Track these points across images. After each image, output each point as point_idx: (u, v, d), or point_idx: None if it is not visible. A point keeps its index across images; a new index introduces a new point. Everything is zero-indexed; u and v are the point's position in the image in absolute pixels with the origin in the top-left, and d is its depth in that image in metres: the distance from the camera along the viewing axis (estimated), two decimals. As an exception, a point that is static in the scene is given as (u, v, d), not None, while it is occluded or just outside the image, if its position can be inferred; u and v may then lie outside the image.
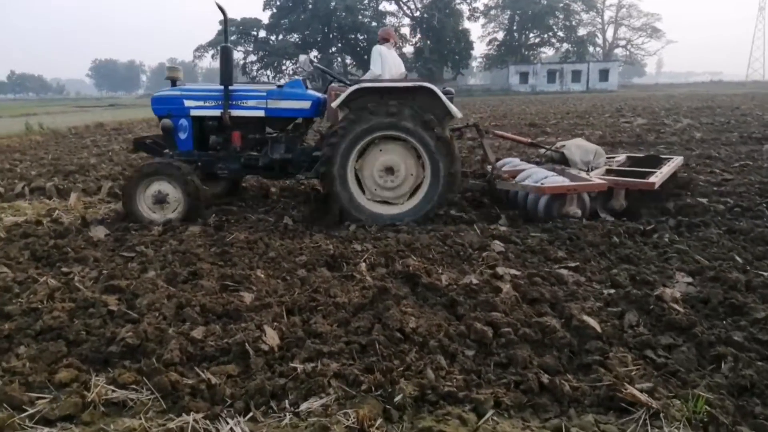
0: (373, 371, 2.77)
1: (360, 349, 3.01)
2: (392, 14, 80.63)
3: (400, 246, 4.86)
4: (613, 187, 5.89)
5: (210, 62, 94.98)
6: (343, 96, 5.83)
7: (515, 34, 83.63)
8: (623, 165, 7.10)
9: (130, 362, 2.99)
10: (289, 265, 4.52)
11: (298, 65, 7.00)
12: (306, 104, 6.29)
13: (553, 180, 5.98)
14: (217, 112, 6.25)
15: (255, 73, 77.30)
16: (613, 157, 7.31)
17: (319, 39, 75.27)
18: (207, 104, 6.30)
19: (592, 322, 3.24)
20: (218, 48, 6.22)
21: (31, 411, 2.54)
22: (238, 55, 76.02)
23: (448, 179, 5.74)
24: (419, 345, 3.04)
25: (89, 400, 2.60)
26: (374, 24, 76.32)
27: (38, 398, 2.64)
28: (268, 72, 77.84)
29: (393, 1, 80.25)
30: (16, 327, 3.36)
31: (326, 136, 6.02)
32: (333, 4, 71.63)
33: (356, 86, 5.85)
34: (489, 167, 6.80)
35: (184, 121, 6.33)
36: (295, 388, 2.67)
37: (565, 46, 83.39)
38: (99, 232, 5.55)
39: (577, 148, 6.87)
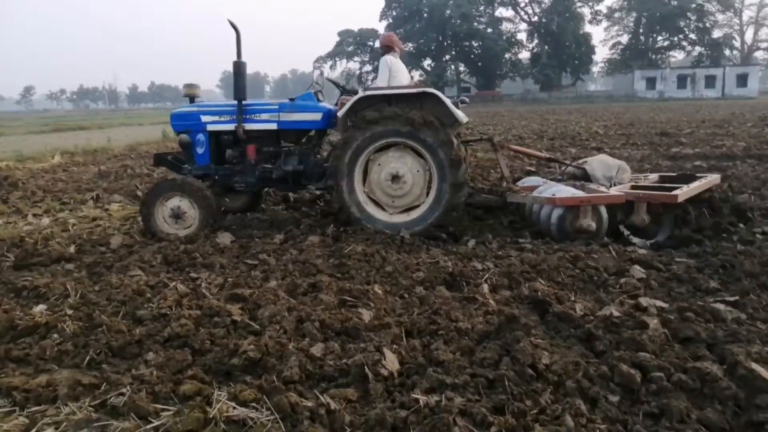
0: (503, 412, 2.51)
1: (487, 384, 2.76)
2: (509, 20, 79.35)
3: (524, 266, 4.53)
4: (634, 201, 5.57)
5: (327, 72, 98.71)
6: (348, 105, 5.89)
7: (641, 38, 78.86)
8: (659, 182, 6.60)
9: (252, 377, 2.95)
10: (406, 281, 4.36)
11: (313, 80, 6.77)
12: (317, 116, 6.36)
13: (567, 192, 5.75)
14: (232, 127, 6.40)
15: (370, 83, 79.08)
16: (644, 176, 6.86)
17: (433, 47, 75.57)
18: (222, 119, 6.44)
19: (763, 371, 2.75)
20: (233, 62, 6.21)
21: (155, 423, 2.55)
22: (354, 65, 78.34)
23: (455, 185, 5.75)
24: (554, 385, 2.73)
25: (211, 416, 2.57)
26: (489, 30, 75.43)
27: (163, 410, 2.66)
28: (383, 81, 79.27)
29: (510, 7, 78.76)
30: (146, 333, 3.47)
31: (333, 147, 6.13)
32: (448, 12, 71.61)
33: (360, 95, 5.91)
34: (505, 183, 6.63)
35: (201, 136, 6.49)
36: (418, 422, 2.48)
37: (698, 49, 77.37)
38: (225, 239, 5.73)
39: (599, 163, 6.55)
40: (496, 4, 77.68)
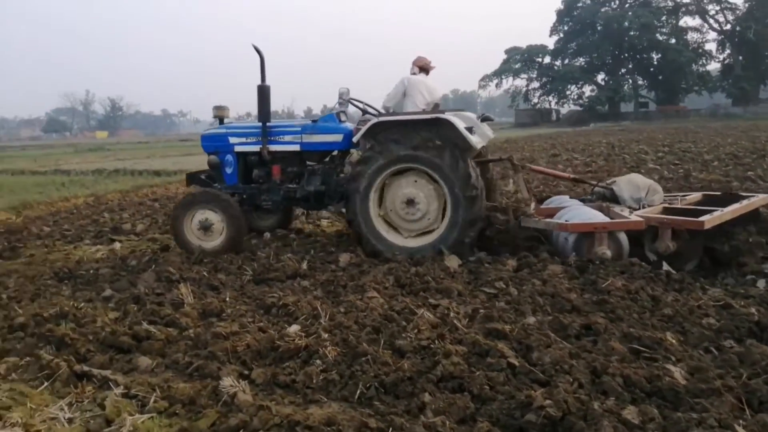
0: None
1: None
2: (695, 29, 72.16)
3: None
4: (658, 227, 5.14)
5: (491, 91, 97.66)
6: (363, 129, 5.96)
7: None
8: (697, 203, 6.10)
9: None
10: (696, 329, 3.59)
11: (337, 100, 6.63)
12: (338, 137, 6.45)
13: (584, 217, 5.46)
14: (257, 148, 6.57)
15: (537, 100, 76.70)
16: (683, 196, 6.34)
17: (608, 61, 71.24)
18: (249, 140, 6.64)
19: None
20: (257, 86, 6.39)
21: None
22: (521, 82, 76.54)
23: (469, 211, 5.61)
24: None
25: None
26: (672, 41, 69.24)
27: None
28: (550, 98, 76.54)
29: (697, 16, 71.71)
30: (415, 369, 3.13)
31: (350, 172, 6.15)
32: (626, 23, 67.08)
33: (375, 120, 5.94)
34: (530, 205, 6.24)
35: (229, 157, 6.72)
36: None
37: None
38: (453, 262, 5.38)
39: (627, 183, 6.23)
40: (680, 13, 71.22)
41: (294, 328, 3.88)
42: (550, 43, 75.48)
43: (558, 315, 3.89)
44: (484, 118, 6.66)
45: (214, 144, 6.82)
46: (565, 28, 73.99)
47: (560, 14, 73.81)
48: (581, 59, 73.96)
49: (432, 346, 3.39)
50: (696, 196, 6.36)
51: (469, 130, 5.91)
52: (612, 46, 69.50)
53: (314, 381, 3.17)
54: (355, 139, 6.17)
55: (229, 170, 6.76)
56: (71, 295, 5.09)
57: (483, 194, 5.81)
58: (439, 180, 5.72)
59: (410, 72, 7.46)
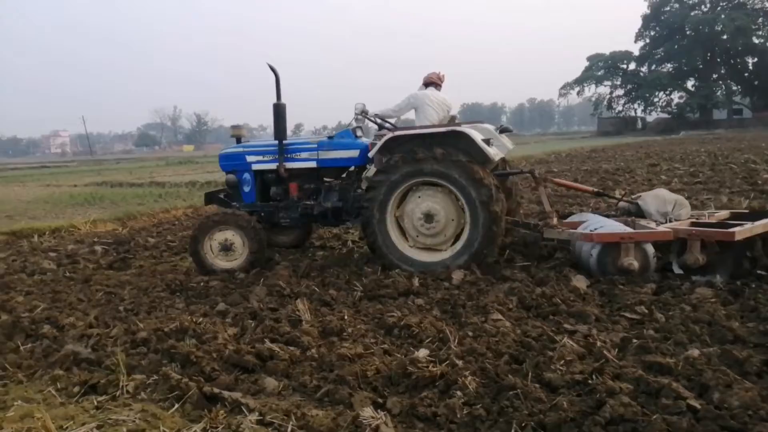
0: None
1: None
2: (799, 29, 66.97)
3: None
4: (686, 239, 5.03)
5: (569, 99, 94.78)
6: (378, 145, 5.91)
7: None
8: (726, 219, 5.87)
9: None
10: None
11: (354, 115, 6.58)
12: (355, 153, 6.42)
13: (609, 228, 5.40)
14: (274, 166, 6.56)
15: (621, 108, 73.68)
16: (711, 213, 6.19)
17: (699, 66, 67.41)
18: (266, 159, 6.65)
19: None
20: (273, 104, 6.32)
21: None
22: (604, 89, 73.82)
23: (488, 223, 5.52)
24: None
25: None
26: (771, 44, 64.69)
27: None
28: (635, 105, 73.35)
29: (801, 14, 66.62)
30: (577, 408, 2.77)
31: (367, 187, 6.04)
32: (718, 27, 63.24)
33: (391, 135, 5.87)
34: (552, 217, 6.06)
35: (247, 175, 6.74)
36: None
37: None
38: (581, 282, 4.96)
39: (654, 198, 6.09)
40: (779, 14, 66.51)
41: (423, 353, 3.61)
42: (635, 48, 72.53)
43: (726, 347, 3.40)
44: (503, 130, 6.61)
45: (232, 163, 6.83)
46: (652, 33, 70.87)
47: (647, 19, 70.82)
48: (669, 65, 70.53)
49: (589, 381, 3.02)
50: (724, 213, 6.17)
51: (487, 142, 5.77)
52: (703, 51, 65.84)
53: (458, 415, 2.88)
54: (371, 154, 6.12)
55: (246, 189, 6.78)
56: (186, 308, 5.08)
57: (503, 210, 5.68)
58: (458, 194, 5.63)
59: (427, 89, 7.25)
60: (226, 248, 6.24)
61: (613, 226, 5.46)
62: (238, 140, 7.09)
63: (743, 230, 4.87)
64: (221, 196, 7.13)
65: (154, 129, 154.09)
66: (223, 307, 4.99)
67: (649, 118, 73.29)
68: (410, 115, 7.47)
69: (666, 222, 5.70)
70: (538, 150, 32.65)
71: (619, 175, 14.84)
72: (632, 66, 72.94)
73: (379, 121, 6.87)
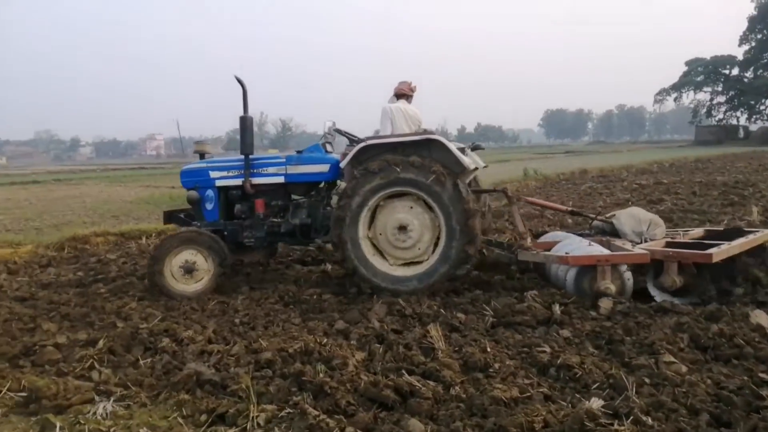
0: None
1: None
2: None
3: None
4: (663, 261, 4.93)
5: (662, 107, 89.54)
6: (350, 155, 5.64)
7: None
8: (700, 238, 5.85)
9: None
10: None
11: (324, 130, 6.43)
12: (325, 168, 6.11)
13: (585, 250, 5.23)
14: (239, 182, 6.22)
15: (722, 115, 68.92)
16: (684, 232, 6.14)
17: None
18: (230, 174, 6.30)
19: None
20: (239, 117, 5.99)
21: None
22: (703, 96, 69.36)
23: (463, 234, 5.32)
24: None
25: None
26: None
27: None
28: (737, 113, 68.42)
29: None
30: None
31: (338, 198, 5.79)
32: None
33: (362, 144, 5.62)
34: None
35: (210, 192, 6.34)
36: None
37: None
38: (762, 319, 4.19)
39: (629, 217, 5.94)
40: None
41: (596, 404, 3.02)
42: (739, 53, 67.66)
43: None
44: (474, 147, 6.45)
45: (194, 179, 6.42)
46: (758, 36, 65.88)
47: (753, 21, 65.95)
48: (778, 70, 65.30)
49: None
50: (698, 231, 6.22)
51: (461, 151, 5.54)
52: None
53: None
54: (342, 164, 5.82)
55: (209, 206, 6.37)
56: (303, 324, 4.75)
57: (479, 224, 5.44)
58: (434, 205, 5.40)
59: (397, 102, 6.83)
60: (189, 270, 5.82)
61: (588, 248, 5.29)
62: (202, 156, 6.79)
63: (721, 252, 4.84)
64: (181, 215, 6.80)
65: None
66: (342, 325, 4.61)
67: (753, 127, 68.02)
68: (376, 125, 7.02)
69: (641, 242, 5.61)
70: (637, 159, 30.83)
71: (741, 188, 13.49)
72: (735, 71, 68.23)
73: (349, 135, 6.59)
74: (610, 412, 2.94)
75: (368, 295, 5.48)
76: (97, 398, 3.40)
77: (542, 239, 6.44)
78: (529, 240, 5.98)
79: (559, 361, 3.56)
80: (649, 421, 2.79)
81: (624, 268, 5.01)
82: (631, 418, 2.83)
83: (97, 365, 3.95)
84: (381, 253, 5.66)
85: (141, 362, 3.98)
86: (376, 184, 5.45)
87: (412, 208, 5.53)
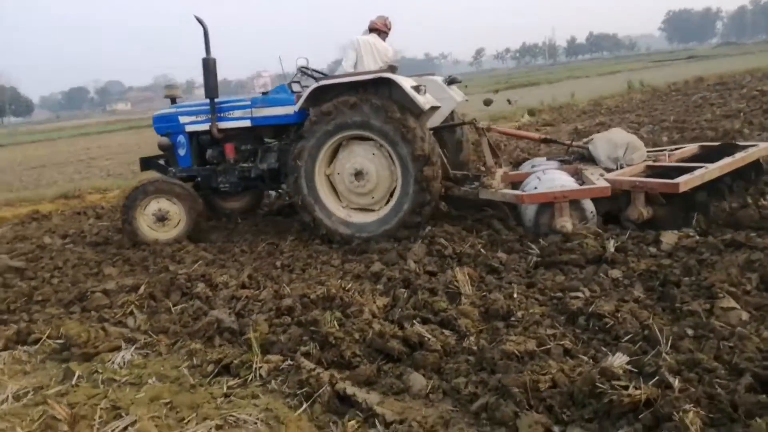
0: None
1: None
2: None
3: None
4: (630, 191, 4.59)
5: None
6: (303, 97, 5.37)
7: None
8: (689, 157, 5.57)
9: None
10: None
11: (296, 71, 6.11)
12: (290, 110, 5.74)
13: (548, 184, 4.88)
14: (208, 126, 6.03)
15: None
16: (675, 149, 5.74)
17: None
18: (199, 119, 6.14)
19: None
20: (201, 59, 5.83)
21: None
22: None
23: (420, 181, 5.02)
24: None
25: None
26: None
27: None
28: None
29: None
30: None
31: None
32: None
33: (316, 85, 5.33)
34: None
35: (181, 138, 6.24)
36: None
37: None
38: None
39: (605, 142, 5.56)
40: None
41: (620, 360, 2.64)
42: None
43: None
44: (451, 81, 6.21)
45: (166, 125, 6.32)
46: None
47: None
48: None
49: None
50: (691, 148, 5.85)
51: (416, 89, 5.10)
52: None
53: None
54: (296, 108, 5.54)
55: (182, 152, 6.27)
56: (341, 266, 4.66)
57: (437, 164, 5.11)
58: (389, 149, 5.12)
59: (365, 35, 6.60)
60: (161, 218, 5.84)
61: (555, 180, 4.96)
62: (173, 101, 6.56)
63: (691, 179, 4.43)
64: (161, 161, 6.65)
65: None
66: (378, 267, 4.45)
67: None
68: None
69: (617, 167, 5.28)
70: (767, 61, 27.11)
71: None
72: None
73: (317, 73, 6.16)
74: (635, 370, 2.57)
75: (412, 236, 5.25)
76: (123, 346, 3.53)
77: (519, 170, 6.18)
78: (498, 174, 5.65)
79: (591, 309, 3.17)
80: (676, 383, 2.39)
81: (587, 202, 4.66)
82: (656, 378, 2.45)
83: (135, 311, 4.11)
84: (338, 198, 5.52)
85: (173, 308, 4.08)
86: (328, 128, 5.22)
87: (374, 154, 5.29)
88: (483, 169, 5.89)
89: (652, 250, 4.08)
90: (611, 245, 4.16)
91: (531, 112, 15.31)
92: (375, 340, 3.12)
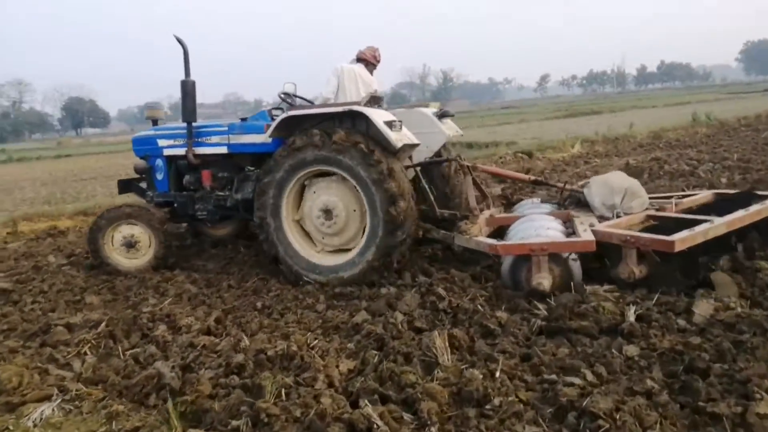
0: None
1: None
2: None
3: None
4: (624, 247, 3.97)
5: None
6: (272, 126, 5.03)
7: None
8: (700, 207, 5.00)
9: None
10: None
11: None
12: (269, 138, 5.15)
13: (530, 232, 4.38)
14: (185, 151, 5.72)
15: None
16: (685, 196, 5.22)
17: None
18: (177, 143, 5.85)
19: None
20: (180, 81, 5.53)
21: None
22: None
23: (388, 222, 4.57)
24: None
25: None
26: None
27: None
28: None
29: None
30: None
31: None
32: None
33: (284, 115, 4.97)
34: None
35: (159, 161, 6.02)
36: None
37: None
38: None
39: (601, 186, 4.96)
40: None
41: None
42: None
43: None
44: (443, 114, 5.68)
45: (144, 147, 6.07)
46: None
47: None
48: None
49: None
50: (704, 196, 5.28)
51: (390, 125, 4.64)
52: None
53: None
54: (266, 136, 5.15)
55: (159, 176, 6.03)
56: (323, 312, 4.19)
57: (410, 206, 4.69)
58: (357, 187, 4.74)
59: (351, 63, 6.24)
60: (130, 245, 5.63)
61: (539, 229, 4.43)
62: (154, 123, 6.28)
63: (690, 236, 3.85)
64: (139, 184, 6.37)
65: (405, 88, 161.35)
66: (361, 317, 3.92)
67: None
68: None
69: (614, 216, 4.75)
70: None
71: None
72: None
73: (301, 100, 5.90)
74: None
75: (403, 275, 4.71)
76: (54, 396, 3.15)
77: (512, 212, 5.75)
78: (484, 217, 5.23)
79: (585, 403, 2.53)
80: None
81: (572, 256, 4.08)
82: None
83: (88, 352, 3.75)
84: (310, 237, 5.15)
85: (124, 354, 3.68)
86: (295, 161, 4.86)
87: (337, 188, 4.92)
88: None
89: (681, 322, 3.37)
90: (632, 313, 3.48)
91: (582, 143, 14.44)
92: (314, 423, 2.58)
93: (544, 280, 3.96)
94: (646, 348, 3.12)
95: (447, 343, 3.18)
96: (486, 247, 4.38)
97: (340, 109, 4.86)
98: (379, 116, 4.68)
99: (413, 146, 5.06)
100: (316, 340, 3.51)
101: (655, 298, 3.70)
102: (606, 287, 3.94)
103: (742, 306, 3.46)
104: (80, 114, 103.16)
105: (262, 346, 3.44)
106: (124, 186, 6.55)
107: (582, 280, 4.08)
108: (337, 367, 3.19)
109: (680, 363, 2.92)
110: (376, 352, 3.32)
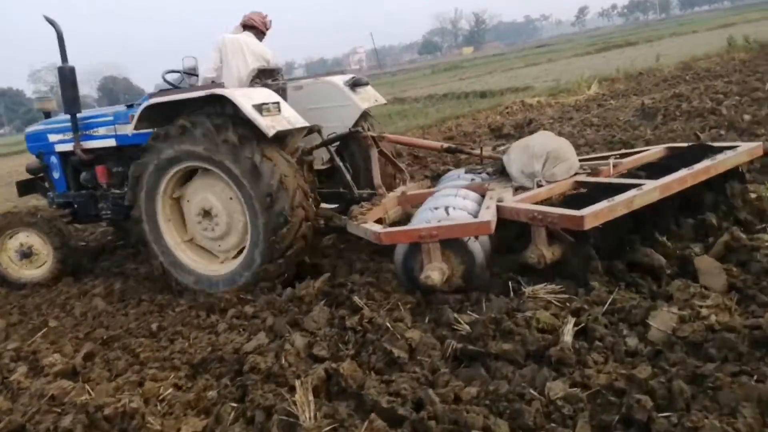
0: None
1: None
2: None
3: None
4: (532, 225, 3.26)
5: None
6: (135, 117, 4.37)
7: None
8: (644, 167, 4.20)
9: None
10: None
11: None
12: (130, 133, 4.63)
13: (427, 215, 3.66)
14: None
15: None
16: (634, 153, 4.50)
17: None
18: (66, 137, 5.23)
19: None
20: (57, 68, 5.01)
21: None
22: None
23: (268, 222, 3.90)
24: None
25: None
26: None
27: None
28: None
29: None
30: None
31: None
32: None
33: (147, 102, 4.29)
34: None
35: (54, 159, 5.44)
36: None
37: None
38: None
39: (521, 152, 4.11)
40: None
41: None
42: None
43: None
44: (355, 83, 5.08)
45: (37, 144, 5.52)
46: None
47: None
48: None
49: None
50: (653, 152, 4.36)
51: (259, 108, 3.90)
52: None
53: None
54: (129, 130, 4.55)
55: (56, 175, 5.48)
56: (225, 331, 3.53)
57: (297, 201, 3.98)
58: (228, 182, 4.08)
59: (241, 33, 5.20)
60: (26, 254, 5.18)
61: (434, 207, 3.70)
62: (47, 115, 5.71)
63: (605, 209, 3.02)
64: (39, 183, 5.80)
65: (437, 35, 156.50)
66: (257, 342, 3.24)
67: None
68: None
69: (534, 186, 3.96)
70: None
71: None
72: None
73: (182, 84, 5.21)
74: None
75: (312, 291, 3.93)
76: None
77: (438, 186, 4.83)
78: (394, 195, 4.55)
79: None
80: None
81: (470, 241, 3.36)
82: None
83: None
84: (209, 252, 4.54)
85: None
86: (162, 158, 4.21)
87: (215, 185, 4.27)
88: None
89: (632, 342, 2.52)
90: (570, 328, 2.65)
91: (601, 82, 13.12)
92: None
93: (432, 272, 3.21)
94: (577, 383, 2.32)
95: (310, 397, 2.44)
96: (372, 236, 3.62)
97: (200, 93, 4.13)
98: (247, 99, 3.95)
99: (301, 129, 4.27)
100: (172, 389, 2.84)
101: (608, 301, 2.85)
102: (551, 286, 3.10)
103: (717, 313, 2.57)
104: (115, 93, 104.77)
105: (104, 400, 2.79)
106: (25, 188, 5.98)
107: (492, 260, 3.49)
108: (186, 425, 2.53)
109: (616, 411, 2.12)
110: (234, 405, 2.63)
